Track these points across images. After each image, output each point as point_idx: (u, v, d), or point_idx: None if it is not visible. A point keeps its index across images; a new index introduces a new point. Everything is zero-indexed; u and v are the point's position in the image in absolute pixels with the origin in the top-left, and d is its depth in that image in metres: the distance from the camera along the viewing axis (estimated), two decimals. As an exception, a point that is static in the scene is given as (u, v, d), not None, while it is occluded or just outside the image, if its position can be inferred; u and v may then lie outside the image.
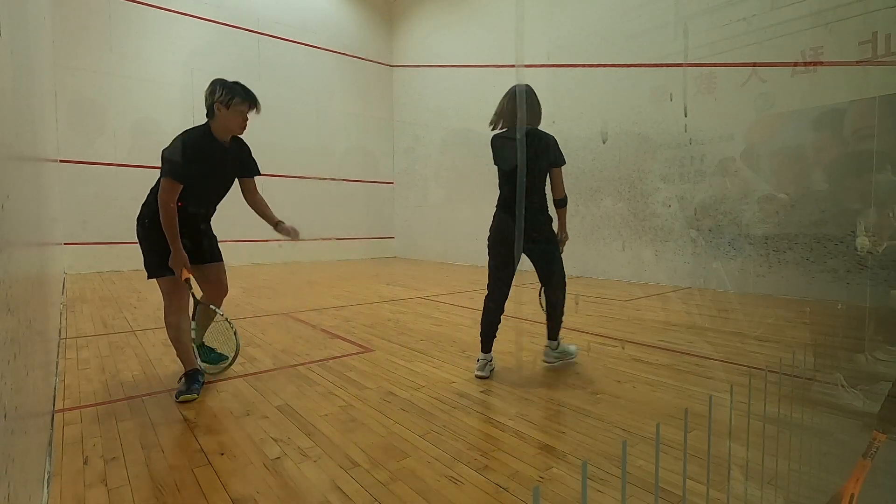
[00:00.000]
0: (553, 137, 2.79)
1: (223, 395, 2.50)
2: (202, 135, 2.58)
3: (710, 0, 5.95)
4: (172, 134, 2.57)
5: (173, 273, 2.52)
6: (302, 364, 3.04)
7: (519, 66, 8.76)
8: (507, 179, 2.83)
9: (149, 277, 2.60)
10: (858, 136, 4.82)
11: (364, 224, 11.55)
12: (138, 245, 2.61)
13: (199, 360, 2.67)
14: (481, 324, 2.85)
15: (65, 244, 7.64)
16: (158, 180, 2.52)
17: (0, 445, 0.80)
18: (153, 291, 6.03)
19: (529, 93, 2.78)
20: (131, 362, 3.07)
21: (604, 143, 7.36)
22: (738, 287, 5.76)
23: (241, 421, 2.18)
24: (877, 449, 1.35)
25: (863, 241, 2.46)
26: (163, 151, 2.51)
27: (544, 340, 3.00)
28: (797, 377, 1.75)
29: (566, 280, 2.95)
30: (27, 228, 1.62)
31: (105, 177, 8.06)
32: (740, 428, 1.46)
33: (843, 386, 2.24)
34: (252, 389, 2.59)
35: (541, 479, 1.68)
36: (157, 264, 2.57)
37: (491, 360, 2.82)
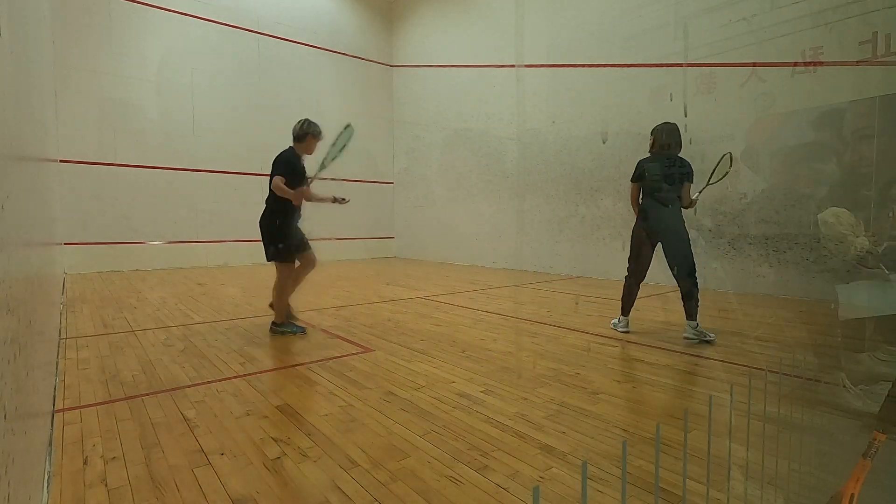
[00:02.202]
0: (688, 161, 3.69)
1: (223, 395, 2.50)
2: (296, 154, 3.93)
3: (710, 0, 5.95)
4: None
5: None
6: (302, 364, 3.04)
7: (519, 66, 8.76)
8: (652, 191, 3.67)
9: (286, 260, 3.70)
10: (858, 136, 4.82)
11: (364, 224, 11.54)
12: (268, 242, 3.66)
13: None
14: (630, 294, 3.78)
15: (65, 244, 7.64)
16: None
17: (0, 445, 0.80)
18: (153, 291, 6.05)
19: (676, 129, 3.70)
20: (131, 362, 3.07)
21: (604, 143, 7.36)
22: (738, 287, 5.76)
23: (241, 421, 2.18)
24: (877, 449, 1.35)
25: (862, 242, 2.45)
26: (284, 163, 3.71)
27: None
28: (797, 377, 1.75)
29: (695, 268, 3.60)
30: (27, 228, 1.62)
31: (105, 177, 8.05)
32: (740, 428, 1.46)
33: (845, 386, 2.24)
34: (252, 389, 2.59)
35: (541, 479, 1.68)
36: (285, 248, 3.66)
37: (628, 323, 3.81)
